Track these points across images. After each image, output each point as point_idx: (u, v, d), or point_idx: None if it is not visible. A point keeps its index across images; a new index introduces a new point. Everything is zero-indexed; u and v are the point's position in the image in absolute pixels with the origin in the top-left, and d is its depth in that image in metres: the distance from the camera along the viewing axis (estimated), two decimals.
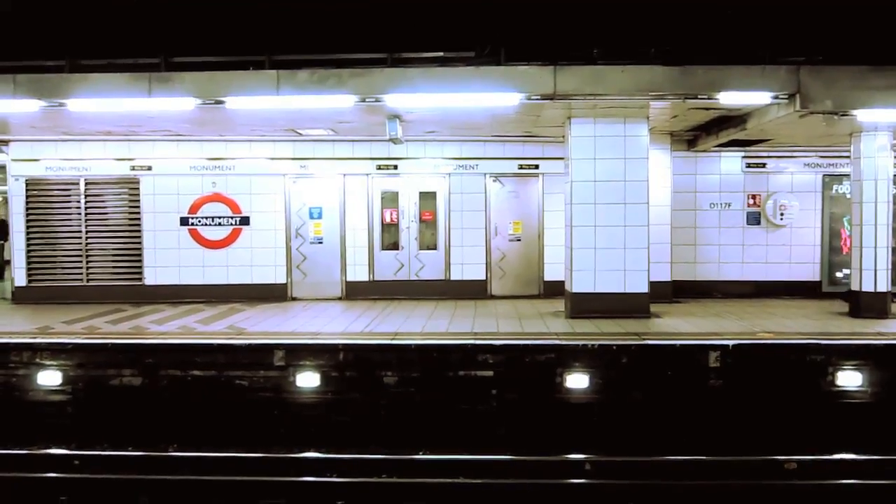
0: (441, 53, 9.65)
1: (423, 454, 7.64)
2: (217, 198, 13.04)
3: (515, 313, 11.06)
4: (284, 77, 9.29)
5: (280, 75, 9.30)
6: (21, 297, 12.98)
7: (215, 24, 9.66)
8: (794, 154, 13.13)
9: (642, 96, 9.29)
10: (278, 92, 9.28)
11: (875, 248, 10.36)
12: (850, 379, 8.30)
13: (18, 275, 13.03)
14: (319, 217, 13.17)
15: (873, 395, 8.29)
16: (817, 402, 8.30)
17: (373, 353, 8.57)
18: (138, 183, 13.02)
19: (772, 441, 7.87)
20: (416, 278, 13.17)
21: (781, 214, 13.03)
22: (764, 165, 13.20)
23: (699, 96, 9.22)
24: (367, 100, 9.32)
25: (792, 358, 8.42)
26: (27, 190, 13.02)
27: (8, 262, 14.21)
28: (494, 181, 13.18)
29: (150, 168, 12.98)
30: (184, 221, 13.02)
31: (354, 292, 13.10)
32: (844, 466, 7.14)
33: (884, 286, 10.39)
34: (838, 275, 13.07)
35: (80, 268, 13.06)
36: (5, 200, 16.14)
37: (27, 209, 13.03)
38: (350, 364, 8.50)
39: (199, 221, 13.03)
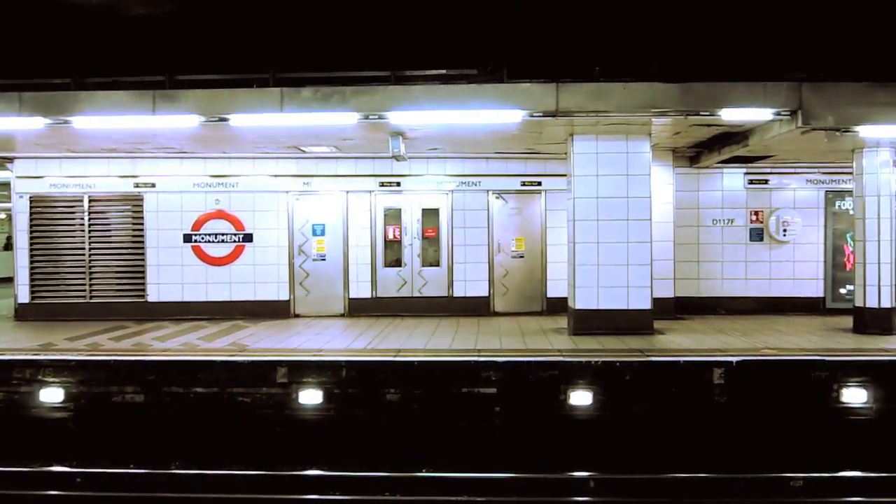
0: (444, 71, 9.69)
1: (427, 472, 7.60)
2: (220, 215, 13.07)
3: (518, 330, 11.04)
4: (288, 95, 9.33)
5: (284, 93, 9.34)
6: (24, 313, 12.97)
7: (219, 42, 9.73)
8: (797, 170, 13.14)
9: (644, 113, 9.32)
10: (282, 109, 9.33)
11: (878, 264, 10.34)
12: (855, 395, 8.25)
13: (22, 291, 13.03)
14: (322, 234, 13.19)
15: (879, 411, 8.24)
16: (822, 418, 8.26)
17: (376, 370, 8.55)
18: (142, 200, 13.06)
19: (777, 458, 7.82)
20: (418, 295, 13.16)
21: (784, 230, 13.03)
22: (766, 182, 13.21)
23: (701, 113, 9.25)
24: (370, 117, 9.36)
25: (796, 374, 8.38)
26: (31, 207, 13.05)
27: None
28: (497, 198, 13.20)
29: (153, 185, 13.03)
30: (187, 238, 13.05)
31: (357, 309, 13.09)
32: (851, 484, 7.10)
33: (888, 302, 10.35)
34: (842, 291, 13.04)
35: (84, 285, 13.07)
36: (9, 217, 16.19)
37: (31, 226, 13.06)
38: (353, 381, 8.48)
39: (203, 238, 13.05)
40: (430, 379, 8.44)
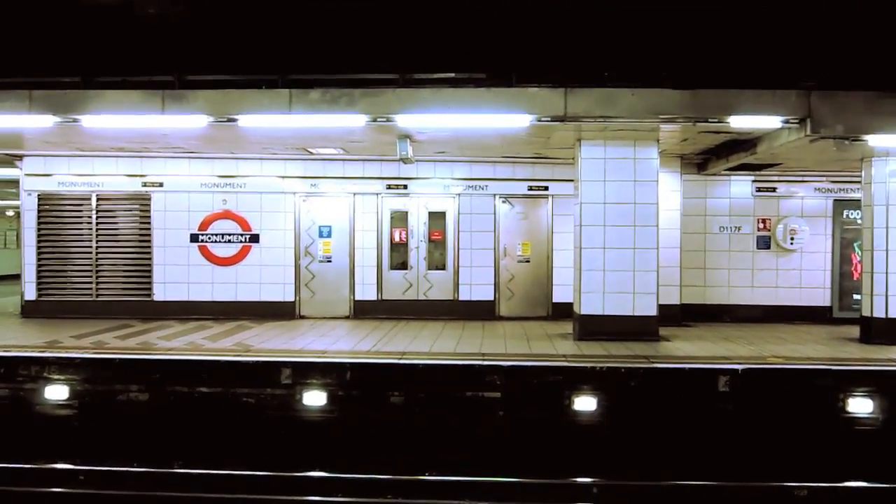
0: (452, 74, 9.67)
1: (430, 475, 7.59)
2: (227, 215, 13.10)
3: (523, 334, 11.02)
4: (297, 96, 9.35)
5: (292, 94, 9.36)
6: (30, 311, 13.02)
7: (229, 43, 9.74)
8: (805, 178, 13.10)
9: (652, 119, 9.30)
10: (290, 111, 9.34)
11: (886, 273, 10.29)
12: (861, 405, 8.21)
13: (28, 289, 13.08)
14: (329, 236, 13.20)
15: (885, 421, 8.19)
16: (828, 428, 8.21)
17: (380, 372, 8.54)
18: (149, 199, 13.10)
19: (782, 467, 7.78)
20: (424, 298, 13.16)
21: (792, 239, 12.98)
22: (774, 189, 13.17)
23: (709, 120, 9.23)
24: (378, 119, 9.37)
25: (802, 383, 8.34)
26: (39, 204, 13.12)
27: None
28: (504, 202, 13.19)
29: (161, 185, 13.07)
30: (194, 238, 13.08)
31: (363, 311, 13.09)
32: (856, 494, 7.05)
33: (895, 312, 10.30)
34: (849, 300, 12.98)
35: (90, 283, 13.11)
36: (18, 215, 16.25)
37: (39, 224, 13.12)
38: (357, 383, 8.48)
39: (209, 238, 13.08)
40: (435, 382, 8.43)
